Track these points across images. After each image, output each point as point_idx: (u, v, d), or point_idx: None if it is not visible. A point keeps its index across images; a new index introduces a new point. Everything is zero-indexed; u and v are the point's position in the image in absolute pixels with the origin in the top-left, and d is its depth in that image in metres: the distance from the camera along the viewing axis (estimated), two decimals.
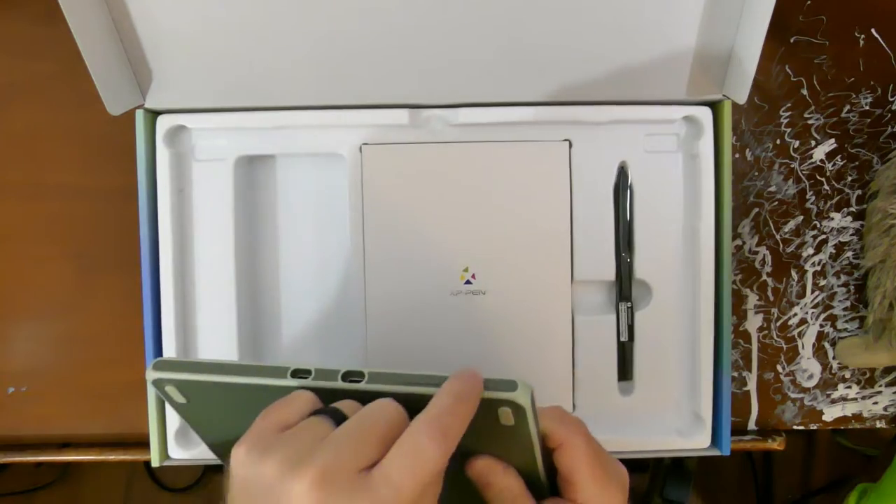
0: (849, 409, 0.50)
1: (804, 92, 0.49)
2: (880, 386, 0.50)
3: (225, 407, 0.32)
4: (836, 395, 0.50)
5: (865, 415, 0.50)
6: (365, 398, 0.28)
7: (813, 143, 0.49)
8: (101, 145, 0.48)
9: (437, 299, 0.44)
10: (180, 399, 0.31)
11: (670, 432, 0.45)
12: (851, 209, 0.49)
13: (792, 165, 0.49)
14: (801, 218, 0.49)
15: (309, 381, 0.29)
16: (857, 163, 0.49)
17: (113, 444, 0.49)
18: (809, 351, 0.50)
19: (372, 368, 0.28)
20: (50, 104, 0.48)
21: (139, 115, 0.43)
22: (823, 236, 0.49)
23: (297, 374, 0.29)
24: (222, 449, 0.33)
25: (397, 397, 0.28)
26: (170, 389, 0.31)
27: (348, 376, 0.29)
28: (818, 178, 0.49)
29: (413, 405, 0.28)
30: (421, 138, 0.44)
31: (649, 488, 0.82)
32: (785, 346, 0.50)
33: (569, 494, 0.31)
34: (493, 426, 0.29)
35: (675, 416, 0.46)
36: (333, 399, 0.29)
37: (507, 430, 0.29)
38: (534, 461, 0.30)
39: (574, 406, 0.45)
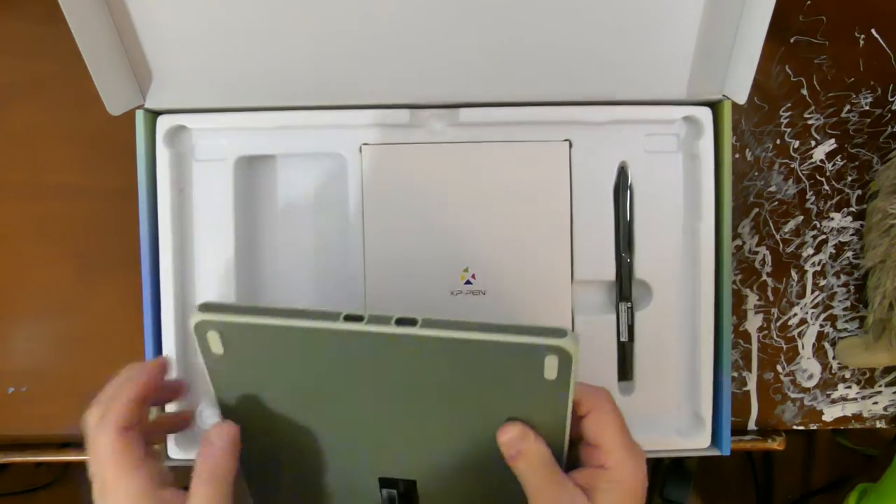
0: (849, 409, 0.50)
1: (804, 92, 0.49)
2: (880, 386, 0.50)
3: (266, 361, 0.31)
4: (836, 395, 0.50)
5: (865, 415, 0.50)
6: (415, 344, 0.28)
7: (813, 143, 0.49)
8: (101, 145, 0.48)
9: (437, 299, 0.44)
10: (218, 349, 0.30)
11: (670, 432, 0.45)
12: (851, 209, 0.49)
13: (792, 165, 0.49)
14: (801, 218, 0.49)
15: (361, 326, 0.28)
16: (857, 163, 0.49)
17: None
18: (809, 351, 0.50)
19: (425, 315, 0.29)
20: (50, 104, 0.48)
21: (139, 115, 0.43)
22: (823, 236, 0.49)
23: (349, 318, 0.29)
24: (245, 421, 0.32)
25: (446, 342, 0.28)
26: (211, 336, 0.30)
27: (401, 322, 0.28)
28: (818, 178, 0.49)
29: (461, 351, 0.28)
30: (421, 138, 0.44)
31: (649, 488, 0.82)
32: (785, 346, 0.50)
33: (597, 460, 0.31)
34: (534, 381, 0.29)
35: (675, 416, 0.46)
36: (381, 347, 0.29)
37: (546, 387, 0.29)
38: (563, 426, 0.31)
39: None
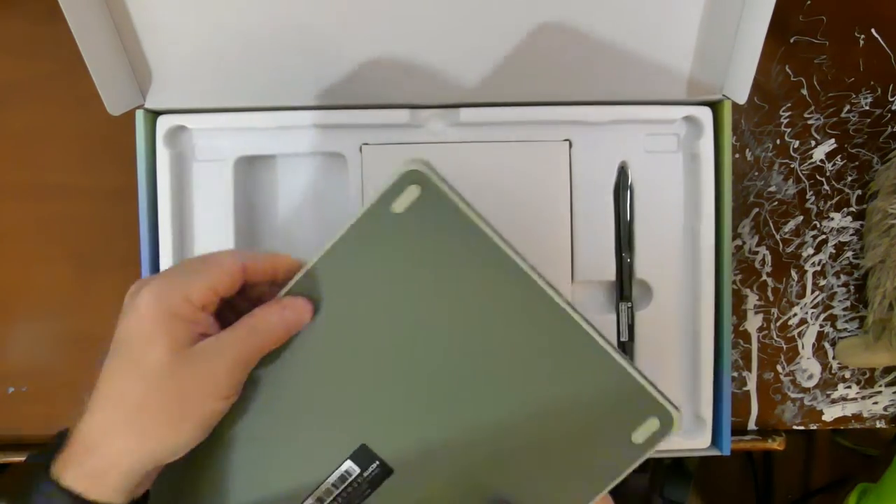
0: (849, 409, 0.50)
1: (804, 92, 0.49)
2: (880, 386, 0.50)
3: (425, 248, 0.30)
4: (836, 395, 0.50)
5: (865, 415, 0.50)
6: (555, 315, 0.30)
7: (813, 143, 0.49)
8: (101, 145, 0.48)
9: None
10: (399, 207, 0.29)
11: None
12: (851, 209, 0.49)
13: (792, 165, 0.49)
14: (801, 218, 0.49)
15: (532, 273, 0.30)
16: (857, 163, 0.49)
17: None
18: (809, 351, 0.50)
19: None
20: (50, 104, 0.48)
21: (139, 116, 0.43)
22: (823, 236, 0.49)
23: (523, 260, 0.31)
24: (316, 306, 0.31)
25: (579, 332, 0.30)
26: (408, 191, 0.29)
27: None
28: (818, 178, 0.49)
29: (581, 352, 0.30)
30: (421, 138, 0.44)
31: (649, 488, 0.82)
32: (785, 346, 0.50)
33: None
34: (616, 434, 0.29)
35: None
36: (529, 304, 0.30)
37: (620, 447, 0.29)
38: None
39: None
